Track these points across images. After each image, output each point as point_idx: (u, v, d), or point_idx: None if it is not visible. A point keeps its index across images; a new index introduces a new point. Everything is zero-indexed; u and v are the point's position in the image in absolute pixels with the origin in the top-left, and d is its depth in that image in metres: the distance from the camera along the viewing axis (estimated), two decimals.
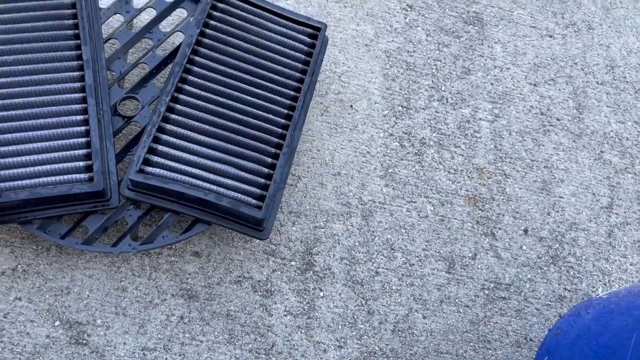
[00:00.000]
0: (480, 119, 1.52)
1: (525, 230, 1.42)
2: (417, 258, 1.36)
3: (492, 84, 1.57)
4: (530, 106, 1.56)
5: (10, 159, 1.07)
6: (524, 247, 1.41)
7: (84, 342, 1.16)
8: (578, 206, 1.47)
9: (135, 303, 1.20)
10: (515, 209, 1.44)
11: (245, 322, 1.24)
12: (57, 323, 1.16)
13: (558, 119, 1.56)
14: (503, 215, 1.44)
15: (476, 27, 1.62)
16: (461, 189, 1.44)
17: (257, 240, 1.30)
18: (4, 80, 1.11)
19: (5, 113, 1.09)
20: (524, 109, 1.55)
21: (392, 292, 1.32)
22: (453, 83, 1.54)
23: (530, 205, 1.45)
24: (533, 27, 1.66)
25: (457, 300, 1.34)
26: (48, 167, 1.07)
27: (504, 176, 1.48)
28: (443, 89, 1.53)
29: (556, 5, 1.71)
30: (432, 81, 1.53)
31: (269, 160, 1.18)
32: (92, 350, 1.15)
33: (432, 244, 1.38)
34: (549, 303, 1.36)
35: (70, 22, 1.18)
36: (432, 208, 1.41)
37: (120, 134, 1.25)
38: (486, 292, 1.36)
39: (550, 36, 1.66)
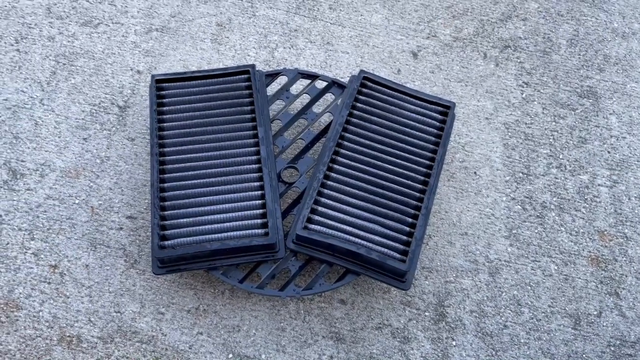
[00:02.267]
0: (599, 185, 1.63)
1: None
2: (543, 314, 1.46)
3: (609, 152, 1.67)
4: None
5: (205, 217, 1.34)
6: None
7: None
8: None
9: (292, 342, 1.40)
10: (639, 270, 1.51)
11: None
12: (230, 355, 1.38)
13: None
14: (626, 276, 1.51)
15: (590, 100, 1.75)
16: (583, 250, 1.54)
17: (395, 291, 1.47)
18: (200, 155, 1.40)
19: (201, 180, 1.38)
20: None
21: (520, 344, 1.42)
22: (570, 151, 1.67)
23: None
24: None
25: (584, 355, 1.41)
26: (233, 223, 1.33)
27: (625, 239, 1.55)
28: (561, 157, 1.67)
29: None
30: (550, 150, 1.67)
31: (410, 219, 1.37)
32: None
33: (557, 301, 1.47)
34: None
35: (248, 108, 1.47)
36: (555, 267, 1.52)
37: (283, 197, 1.49)
38: (612, 348, 1.42)
39: None
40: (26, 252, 1.46)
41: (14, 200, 1.53)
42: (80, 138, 1.62)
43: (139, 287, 1.44)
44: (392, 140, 1.46)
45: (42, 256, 1.46)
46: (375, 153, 1.44)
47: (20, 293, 1.42)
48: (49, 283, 1.43)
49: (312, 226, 1.34)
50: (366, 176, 1.41)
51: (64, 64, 1.73)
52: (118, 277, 1.45)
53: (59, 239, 1.48)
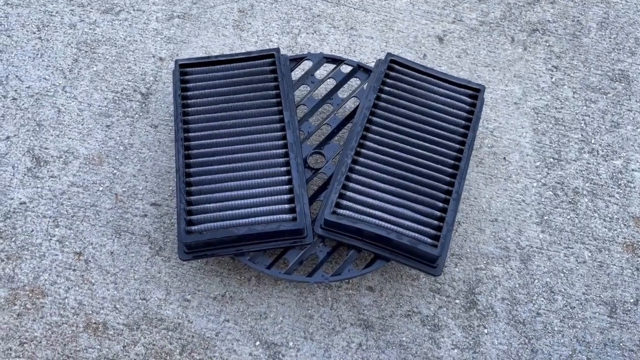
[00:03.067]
0: (633, 170, 1.58)
1: None
2: (577, 301, 1.42)
3: None
4: None
5: (232, 202, 1.31)
6: None
7: None
8: None
9: (320, 329, 1.38)
10: None
11: (417, 353, 1.36)
12: (257, 343, 1.36)
13: None
14: None
15: (622, 84, 1.70)
16: (618, 237, 1.49)
17: (424, 279, 1.44)
18: (225, 139, 1.38)
19: (227, 165, 1.35)
20: None
21: (554, 332, 1.38)
22: (603, 136, 1.63)
23: None
24: None
25: (621, 344, 1.37)
26: (260, 208, 1.30)
27: None
28: (593, 141, 1.62)
29: None
30: (582, 135, 1.63)
31: (440, 204, 1.33)
32: None
33: (592, 289, 1.43)
34: None
35: (273, 92, 1.44)
36: (589, 254, 1.47)
37: (309, 183, 1.47)
38: None
39: None
40: (51, 239, 1.45)
41: (38, 187, 1.51)
42: (103, 125, 1.60)
43: (164, 274, 1.42)
44: (421, 124, 1.43)
45: (66, 243, 1.45)
46: (404, 137, 1.41)
47: (45, 280, 1.41)
48: (74, 270, 1.42)
49: (341, 211, 1.31)
50: (395, 160, 1.38)
51: (86, 52, 1.71)
52: (143, 264, 1.43)
53: (83, 226, 1.47)
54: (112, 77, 1.67)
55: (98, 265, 1.43)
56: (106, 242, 1.46)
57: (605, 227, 1.51)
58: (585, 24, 1.81)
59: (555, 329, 1.39)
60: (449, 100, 1.47)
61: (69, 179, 1.53)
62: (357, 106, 1.49)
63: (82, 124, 1.60)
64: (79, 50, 1.71)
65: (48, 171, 1.54)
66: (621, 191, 1.55)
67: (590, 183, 1.56)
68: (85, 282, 1.41)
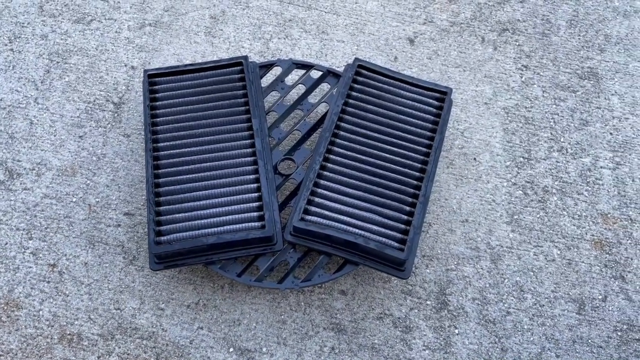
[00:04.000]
0: (601, 167, 1.60)
1: None
2: (546, 299, 1.44)
3: (611, 133, 1.64)
4: None
5: (200, 212, 1.33)
6: None
7: None
8: None
9: (293, 334, 1.39)
10: None
11: (389, 355, 1.38)
12: (231, 349, 1.37)
13: None
14: (632, 259, 1.48)
15: (591, 82, 1.72)
16: (587, 234, 1.51)
17: (395, 281, 1.45)
18: (194, 149, 1.39)
19: (196, 175, 1.37)
20: None
21: (524, 331, 1.41)
22: (572, 134, 1.64)
23: None
24: None
25: (589, 340, 1.39)
26: (229, 217, 1.31)
27: (629, 221, 1.53)
28: (562, 140, 1.64)
29: None
30: (551, 133, 1.64)
31: (407, 208, 1.35)
32: None
33: (561, 286, 1.45)
34: None
35: (242, 100, 1.46)
36: (558, 252, 1.49)
37: (280, 189, 1.48)
38: (619, 333, 1.40)
39: None
40: (25, 252, 1.46)
41: (11, 200, 1.52)
42: (75, 136, 1.61)
43: (138, 284, 1.43)
44: (388, 129, 1.44)
45: (40, 255, 1.46)
46: (372, 142, 1.42)
47: (20, 292, 1.42)
48: (48, 282, 1.43)
49: (309, 217, 1.32)
50: (363, 165, 1.39)
51: (58, 62, 1.72)
52: (117, 274, 1.45)
53: (57, 238, 1.48)
54: (84, 88, 1.68)
55: (72, 277, 1.44)
56: (80, 253, 1.47)
57: (574, 225, 1.53)
58: (554, 22, 1.82)
59: (525, 327, 1.41)
60: (416, 104, 1.48)
61: (42, 190, 1.54)
62: (327, 111, 1.51)
63: (54, 135, 1.61)
64: (51, 61, 1.72)
65: (21, 183, 1.54)
66: (590, 189, 1.57)
67: (560, 181, 1.58)
68: (60, 293, 1.42)
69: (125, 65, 1.72)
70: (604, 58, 1.76)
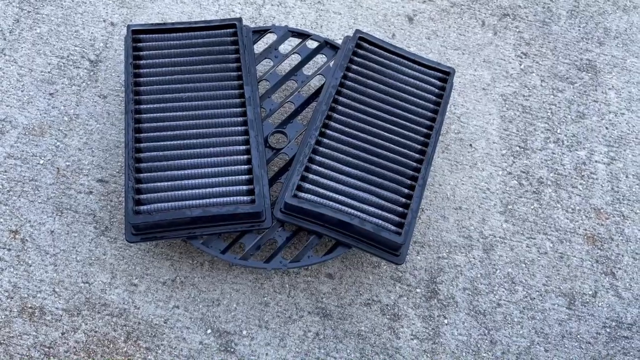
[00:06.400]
0: (596, 161, 1.57)
1: None
2: (537, 292, 1.40)
3: (607, 128, 1.62)
4: None
5: (185, 181, 1.22)
6: None
7: (232, 350, 1.27)
8: None
9: (276, 317, 1.31)
10: (635, 250, 1.46)
11: (375, 343, 1.31)
12: (209, 331, 1.28)
13: None
14: (622, 256, 1.46)
15: (589, 74, 1.69)
16: (579, 228, 1.48)
17: (385, 266, 1.39)
18: (180, 114, 1.28)
19: (181, 142, 1.26)
20: None
21: (513, 324, 1.36)
22: (568, 126, 1.61)
23: None
24: None
25: (578, 336, 1.37)
26: (216, 189, 1.21)
27: (622, 217, 1.50)
28: (558, 131, 1.60)
29: None
30: (548, 124, 1.60)
31: (406, 190, 1.28)
32: (238, 359, 1.26)
33: (552, 280, 1.42)
34: None
35: (234, 65, 1.35)
36: (551, 245, 1.46)
37: (269, 164, 1.39)
38: (608, 330, 1.38)
39: None
40: None
41: None
42: (46, 93, 1.47)
43: (110, 256, 1.32)
44: (388, 106, 1.36)
45: (1, 220, 1.33)
46: (371, 119, 1.34)
47: None
48: (9, 249, 1.30)
49: (302, 194, 1.24)
50: (360, 143, 1.31)
51: (29, 12, 1.56)
52: (87, 244, 1.33)
53: (20, 202, 1.35)
54: (57, 41, 1.54)
55: (36, 245, 1.32)
56: (46, 220, 1.34)
57: (568, 218, 1.49)
58: (555, 11, 1.78)
59: (515, 320, 1.37)
60: (418, 82, 1.41)
61: (6, 150, 1.40)
62: (323, 84, 1.42)
63: (22, 91, 1.47)
64: (21, 10, 1.56)
65: None
66: (584, 182, 1.54)
67: (555, 173, 1.54)
68: (21, 263, 1.30)
69: (104, 21, 1.58)
70: (602, 51, 1.73)
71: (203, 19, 1.61)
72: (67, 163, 1.40)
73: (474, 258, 1.42)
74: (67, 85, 1.49)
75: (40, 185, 1.37)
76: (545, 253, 1.45)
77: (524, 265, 1.43)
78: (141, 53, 1.35)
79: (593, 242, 1.47)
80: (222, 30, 1.39)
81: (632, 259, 1.45)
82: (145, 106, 1.29)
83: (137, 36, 1.37)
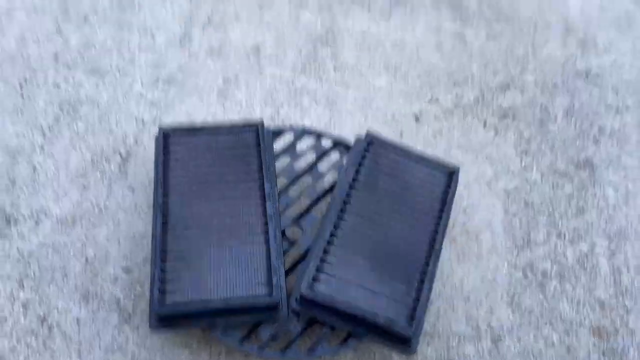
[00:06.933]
0: (598, 254, 1.64)
1: None
2: None
3: (606, 222, 1.70)
4: None
5: (208, 272, 1.30)
6: None
7: None
8: None
9: None
10: None
11: None
12: None
13: None
14: (629, 349, 1.49)
15: (587, 171, 1.79)
16: (585, 320, 1.53)
17: (397, 357, 1.43)
18: (205, 208, 1.38)
19: (204, 234, 1.35)
20: None
21: None
22: (569, 221, 1.69)
23: None
24: None
25: None
26: (237, 280, 1.29)
27: (625, 311, 1.55)
28: (560, 225, 1.68)
29: None
30: (550, 219, 1.69)
31: (416, 284, 1.35)
32: None
33: None
34: None
35: (256, 163, 1.47)
36: (558, 337, 1.50)
37: (285, 256, 1.46)
38: None
39: None
40: (15, 302, 1.40)
41: (6, 247, 1.47)
42: (79, 185, 1.59)
43: (132, 344, 1.38)
44: (398, 203, 1.46)
45: (30, 307, 1.40)
46: (381, 215, 1.44)
47: (4, 346, 1.34)
48: (37, 336, 1.36)
49: (318, 286, 1.31)
50: (373, 237, 1.40)
51: (68, 112, 1.71)
52: (110, 332, 1.39)
53: (50, 290, 1.43)
54: (92, 138, 1.67)
55: (62, 332, 1.38)
56: (73, 307, 1.41)
57: (573, 310, 1.54)
58: (552, 111, 1.91)
59: None
60: (426, 180, 1.52)
61: (39, 239, 1.49)
62: (337, 180, 1.52)
63: (57, 184, 1.58)
64: (61, 110, 1.71)
65: (17, 230, 1.50)
66: (587, 275, 1.60)
67: (558, 266, 1.61)
68: (47, 349, 1.35)
69: (136, 119, 1.73)
70: (598, 149, 1.84)
71: (226, 119, 1.75)
72: (95, 252, 1.49)
73: (482, 349, 1.46)
74: (99, 179, 1.60)
75: (69, 274, 1.45)
76: (553, 345, 1.49)
77: (532, 356, 1.46)
78: (171, 151, 1.47)
79: (599, 334, 1.51)
80: (246, 132, 1.52)
81: (637, 352, 1.49)
82: (172, 200, 1.40)
83: (167, 135, 1.50)
